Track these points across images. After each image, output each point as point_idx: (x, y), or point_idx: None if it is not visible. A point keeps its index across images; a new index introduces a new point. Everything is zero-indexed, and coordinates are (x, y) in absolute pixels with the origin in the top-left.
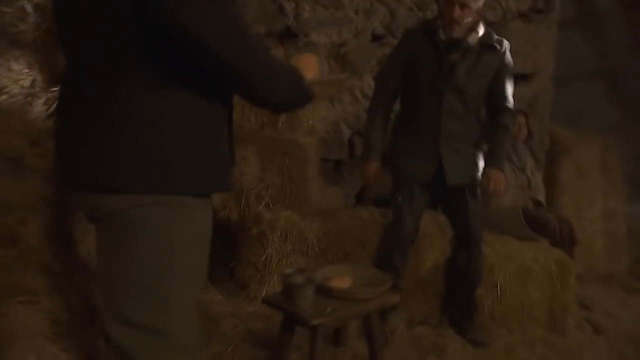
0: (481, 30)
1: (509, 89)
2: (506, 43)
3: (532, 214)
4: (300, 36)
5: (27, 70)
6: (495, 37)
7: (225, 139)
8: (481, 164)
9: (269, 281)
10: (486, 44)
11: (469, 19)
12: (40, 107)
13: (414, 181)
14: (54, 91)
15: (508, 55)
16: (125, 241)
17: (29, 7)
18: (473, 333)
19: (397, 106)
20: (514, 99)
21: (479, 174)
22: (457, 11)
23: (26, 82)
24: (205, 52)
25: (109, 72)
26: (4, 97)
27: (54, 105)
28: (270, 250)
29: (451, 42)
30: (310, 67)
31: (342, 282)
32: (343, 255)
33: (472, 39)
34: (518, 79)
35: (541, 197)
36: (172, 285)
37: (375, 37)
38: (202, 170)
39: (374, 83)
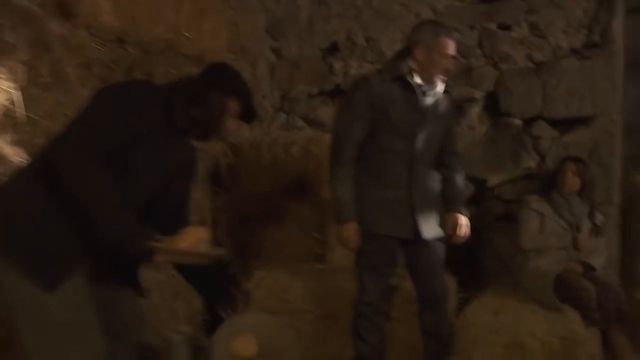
0: None
1: (457, 133)
2: None
3: (568, 280)
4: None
5: None
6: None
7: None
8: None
9: None
10: (446, 90)
11: None
12: None
13: (382, 241)
14: None
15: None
16: None
17: None
18: None
19: None
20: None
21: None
22: (452, 63)
23: None
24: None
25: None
26: None
27: None
28: (253, 308)
29: (426, 87)
30: (188, 238)
31: (243, 346)
32: (328, 318)
33: (443, 85)
34: (575, 124)
35: (596, 261)
36: None
37: None
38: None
39: (335, 136)
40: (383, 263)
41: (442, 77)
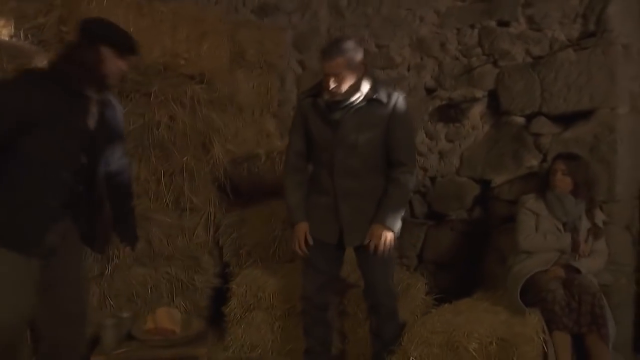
0: (365, 87)
1: (405, 141)
2: (397, 95)
3: (537, 282)
4: None
5: None
6: (384, 90)
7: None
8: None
9: (234, 332)
10: (371, 98)
11: (346, 84)
12: None
13: (317, 243)
14: None
15: (400, 107)
16: None
17: None
18: None
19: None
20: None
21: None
22: (332, 82)
23: None
24: None
25: None
26: None
27: None
28: (234, 303)
29: (334, 101)
30: (168, 318)
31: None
32: (297, 314)
33: (354, 98)
34: (576, 119)
35: (593, 263)
36: None
37: (427, 91)
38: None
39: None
40: (319, 261)
41: (330, 93)
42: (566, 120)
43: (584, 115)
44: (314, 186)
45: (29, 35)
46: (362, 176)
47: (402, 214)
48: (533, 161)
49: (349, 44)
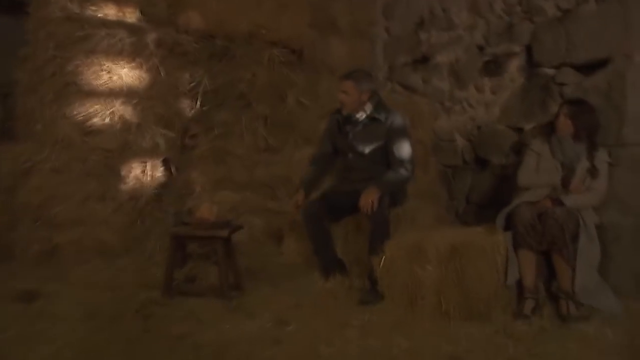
0: (369, 108)
1: (400, 149)
2: (395, 115)
3: (514, 209)
4: (431, 60)
5: None
6: (384, 112)
7: None
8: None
9: (287, 241)
10: (373, 117)
11: (353, 101)
12: None
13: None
14: None
15: (396, 124)
16: None
17: None
18: (365, 292)
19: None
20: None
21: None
22: (341, 96)
23: None
24: None
25: None
26: None
27: None
28: (287, 219)
29: (346, 117)
30: (209, 211)
31: (206, 210)
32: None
33: (359, 115)
34: (594, 69)
35: (587, 200)
36: None
37: (479, 48)
38: None
39: None
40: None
41: (342, 107)
42: (591, 69)
43: (604, 64)
44: (340, 172)
45: (147, 18)
46: (370, 169)
47: (394, 189)
48: (556, 109)
49: (360, 74)
